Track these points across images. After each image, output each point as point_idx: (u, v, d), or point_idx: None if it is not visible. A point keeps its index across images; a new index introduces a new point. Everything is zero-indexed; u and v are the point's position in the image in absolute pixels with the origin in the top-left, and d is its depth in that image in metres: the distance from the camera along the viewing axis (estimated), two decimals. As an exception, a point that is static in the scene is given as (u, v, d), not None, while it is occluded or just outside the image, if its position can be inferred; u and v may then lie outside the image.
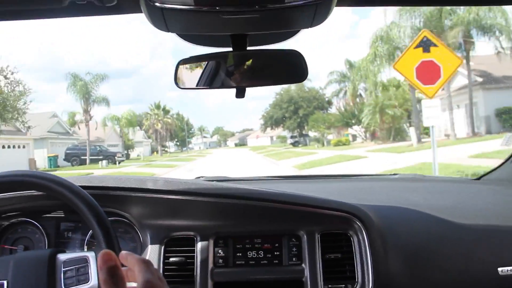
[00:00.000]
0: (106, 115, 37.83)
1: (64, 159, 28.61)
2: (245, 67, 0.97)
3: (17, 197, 1.16)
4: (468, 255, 1.20)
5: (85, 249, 1.21)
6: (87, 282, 0.87)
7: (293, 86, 42.77)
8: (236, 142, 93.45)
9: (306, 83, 42.71)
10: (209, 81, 0.99)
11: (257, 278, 1.14)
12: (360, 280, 1.11)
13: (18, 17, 0.86)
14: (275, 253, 1.17)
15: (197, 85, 0.99)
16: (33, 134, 25.61)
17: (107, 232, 0.86)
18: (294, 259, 1.15)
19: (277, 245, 1.17)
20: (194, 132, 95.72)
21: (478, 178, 1.80)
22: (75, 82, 30.36)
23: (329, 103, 42.74)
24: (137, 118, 47.23)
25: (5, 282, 0.83)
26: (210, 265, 1.14)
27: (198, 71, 0.99)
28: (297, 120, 42.16)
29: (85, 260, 0.89)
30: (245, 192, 1.20)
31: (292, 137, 43.85)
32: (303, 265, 1.14)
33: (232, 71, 0.96)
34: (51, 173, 0.97)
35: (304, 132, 43.87)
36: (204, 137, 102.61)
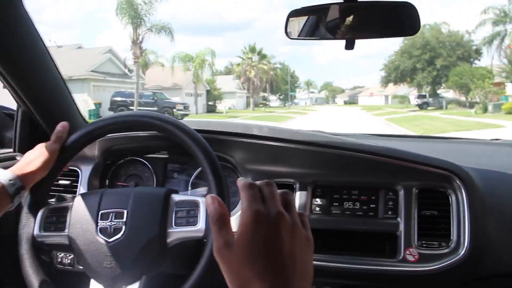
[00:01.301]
0: (176, 53, 35.18)
1: (109, 109, 26.47)
2: (355, 18, 1.11)
3: (130, 137, 1.43)
4: None
5: (189, 189, 1.49)
6: (195, 225, 1.08)
7: (427, 29, 39.56)
8: (346, 100, 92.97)
9: (444, 26, 39.10)
10: (319, 32, 1.17)
11: (352, 228, 1.34)
12: (455, 238, 1.26)
13: None
14: (371, 205, 1.36)
15: (306, 35, 1.17)
16: (68, 73, 22.88)
17: (219, 180, 1.07)
18: (389, 212, 1.34)
19: (373, 197, 1.36)
20: (300, 85, 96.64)
21: None
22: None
23: (477, 52, 38.95)
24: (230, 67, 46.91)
25: (125, 211, 1.08)
26: (307, 212, 1.36)
27: (309, 22, 1.17)
28: (433, 73, 39.14)
29: (196, 204, 1.10)
30: (346, 143, 1.38)
31: (420, 96, 40.50)
32: (398, 219, 1.31)
33: (342, 22, 1.11)
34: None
35: (438, 91, 40.57)
36: (312, 92, 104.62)
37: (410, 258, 1.29)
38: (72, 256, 1.31)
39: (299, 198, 1.38)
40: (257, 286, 0.58)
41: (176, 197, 1.12)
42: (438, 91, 40.83)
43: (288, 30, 1.19)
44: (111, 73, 29.13)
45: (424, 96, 40.05)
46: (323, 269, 1.30)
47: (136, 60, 27.24)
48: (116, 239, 1.06)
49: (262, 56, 47.87)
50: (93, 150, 1.49)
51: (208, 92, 41.08)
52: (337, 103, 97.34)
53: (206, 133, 1.34)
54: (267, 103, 63.49)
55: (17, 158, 1.52)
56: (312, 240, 0.65)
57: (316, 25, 1.17)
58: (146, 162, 1.54)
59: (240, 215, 0.63)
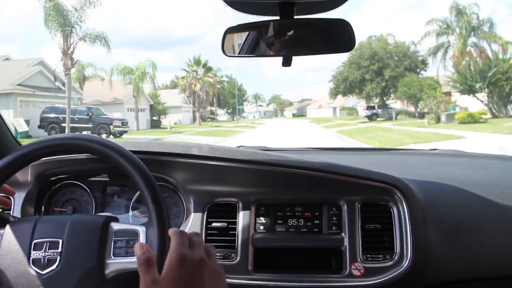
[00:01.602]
0: (114, 65, 33.80)
1: (39, 126, 25.09)
2: (292, 35, 1.15)
3: (67, 160, 1.43)
4: (509, 231, 1.42)
5: (130, 212, 1.51)
6: (134, 256, 1.01)
7: (374, 40, 40.90)
8: (294, 113, 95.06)
9: (389, 37, 40.59)
10: (256, 49, 1.20)
11: (298, 245, 1.39)
12: (398, 251, 1.33)
13: None
14: (315, 221, 1.42)
15: (244, 53, 1.21)
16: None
17: (159, 205, 1.05)
18: (334, 228, 1.40)
19: (317, 213, 1.42)
20: (248, 99, 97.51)
21: None
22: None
23: (423, 63, 40.68)
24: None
25: (60, 241, 1.04)
26: (251, 231, 1.40)
27: (246, 40, 1.20)
28: (382, 83, 40.46)
29: (135, 234, 1.07)
30: (287, 160, 1.42)
31: (369, 107, 41.77)
32: (342, 234, 1.38)
33: (278, 39, 1.16)
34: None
35: (387, 102, 41.68)
36: (260, 105, 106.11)
37: (356, 272, 1.35)
38: None
39: (242, 217, 1.43)
40: None
41: (115, 226, 1.09)
42: (387, 102, 42.07)
43: (225, 48, 1.23)
44: (42, 87, 27.45)
45: (373, 107, 41.23)
46: None
47: (67, 72, 25.47)
48: (50, 271, 1.02)
49: (208, 69, 47.93)
50: (26, 175, 1.47)
51: (151, 106, 40.62)
52: (285, 116, 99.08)
53: (145, 154, 1.40)
54: (215, 117, 63.55)
55: None
56: (223, 276, 0.83)
57: (253, 42, 1.21)
58: (84, 186, 1.55)
59: (168, 256, 0.80)
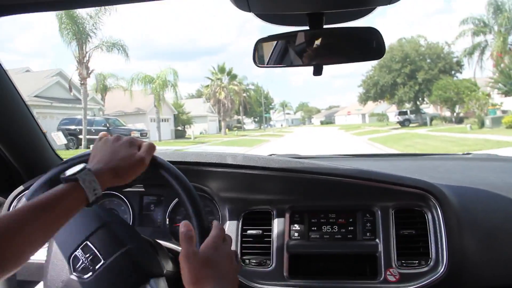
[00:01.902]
0: (134, 74, 32.47)
1: None
2: (322, 45, 1.20)
3: None
4: None
5: (167, 222, 1.58)
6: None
7: (404, 43, 38.94)
8: (322, 120, 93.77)
9: (421, 39, 38.50)
10: (286, 59, 1.25)
11: (332, 251, 1.41)
12: (434, 256, 1.35)
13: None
14: (349, 228, 1.44)
15: (274, 63, 1.26)
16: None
17: (199, 213, 1.10)
18: (368, 234, 1.42)
19: (351, 220, 1.45)
20: (275, 107, 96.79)
21: None
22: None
23: (459, 64, 38.86)
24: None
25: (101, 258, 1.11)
26: (286, 238, 1.44)
27: (276, 50, 1.25)
28: (415, 87, 38.81)
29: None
30: (320, 167, 1.47)
31: (401, 113, 40.27)
32: (377, 240, 1.40)
33: (309, 49, 1.21)
34: None
35: (420, 107, 40.05)
36: (287, 113, 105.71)
37: (391, 278, 1.37)
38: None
39: (277, 224, 1.46)
40: (210, 282, 0.95)
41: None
42: (420, 107, 40.70)
43: (256, 59, 1.28)
44: (59, 98, 27.21)
45: (405, 113, 39.94)
46: None
47: (83, 82, 25.09)
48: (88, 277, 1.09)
49: (232, 77, 47.16)
50: None
51: (175, 116, 40.10)
52: (313, 124, 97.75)
53: (181, 164, 1.40)
54: (242, 126, 62.31)
55: None
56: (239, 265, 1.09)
57: (284, 52, 1.25)
58: (121, 196, 1.60)
59: (206, 240, 1.02)
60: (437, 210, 1.39)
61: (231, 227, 1.49)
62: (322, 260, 1.44)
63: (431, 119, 36.38)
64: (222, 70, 47.08)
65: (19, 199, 1.27)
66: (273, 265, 1.43)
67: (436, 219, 1.38)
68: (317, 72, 1.23)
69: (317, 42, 1.20)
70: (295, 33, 1.21)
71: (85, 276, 1.08)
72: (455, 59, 38.84)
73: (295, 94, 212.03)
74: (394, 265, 1.37)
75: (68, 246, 1.12)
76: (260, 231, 1.48)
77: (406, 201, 1.43)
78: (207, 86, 47.89)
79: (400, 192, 1.42)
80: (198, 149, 24.01)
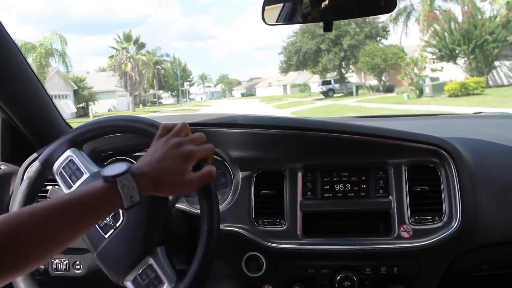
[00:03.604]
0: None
1: None
2: (332, 1, 1.22)
3: (115, 137, 1.46)
4: None
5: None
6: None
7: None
8: (243, 92, 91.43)
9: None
10: (296, 16, 1.26)
11: (345, 209, 1.45)
12: (447, 212, 1.38)
13: None
14: (362, 185, 1.47)
15: (284, 21, 1.28)
16: None
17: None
18: (381, 191, 1.45)
19: (364, 178, 1.48)
20: (192, 80, 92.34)
21: None
22: None
23: (384, 30, 37.42)
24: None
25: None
26: (299, 197, 1.47)
27: (286, 8, 1.26)
28: (340, 54, 36.77)
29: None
30: (333, 124, 1.51)
31: (324, 82, 38.17)
32: (390, 197, 1.43)
33: (318, 5, 1.21)
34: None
35: (344, 76, 38.21)
36: (208, 86, 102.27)
37: (405, 234, 1.39)
38: (67, 261, 1.44)
39: (289, 184, 1.49)
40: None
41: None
42: (346, 75, 39.63)
43: (265, 17, 1.28)
44: None
45: (329, 82, 38.32)
46: (322, 252, 1.42)
47: None
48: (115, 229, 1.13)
49: (140, 46, 43.31)
50: None
51: (75, 92, 34.80)
52: (234, 96, 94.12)
53: (192, 126, 1.38)
54: (158, 101, 56.69)
55: (1, 167, 1.64)
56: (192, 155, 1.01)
57: (293, 9, 1.26)
58: (132, 160, 1.62)
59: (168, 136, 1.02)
60: (450, 166, 1.41)
61: (244, 188, 1.51)
62: (335, 218, 1.47)
63: (357, 89, 35.14)
64: (128, 38, 42.82)
65: (32, 166, 1.28)
66: (287, 224, 1.45)
67: (450, 175, 1.41)
68: (327, 28, 1.25)
69: None
70: None
71: (107, 235, 1.13)
72: (380, 25, 37.97)
73: (217, 66, 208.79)
74: (407, 222, 1.41)
75: None
76: (273, 191, 1.49)
77: (419, 158, 1.46)
78: (112, 56, 42.02)
79: (413, 148, 1.45)
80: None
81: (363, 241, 1.41)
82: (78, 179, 1.21)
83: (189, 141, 1.01)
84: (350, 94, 34.57)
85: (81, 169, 1.22)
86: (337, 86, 37.75)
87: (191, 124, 1.38)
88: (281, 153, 1.51)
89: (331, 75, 39.54)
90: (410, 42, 31.45)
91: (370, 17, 36.44)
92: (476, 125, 2.05)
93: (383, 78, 32.47)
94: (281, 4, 1.27)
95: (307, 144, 1.50)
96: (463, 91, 20.66)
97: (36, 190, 1.24)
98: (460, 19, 24.05)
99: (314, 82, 45.85)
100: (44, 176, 1.25)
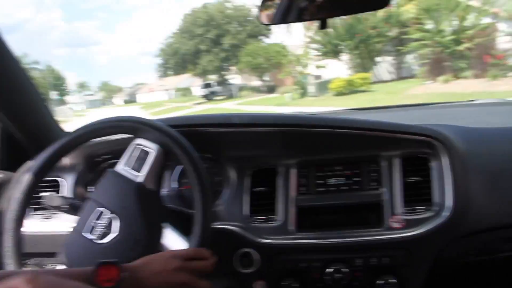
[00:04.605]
0: None
1: None
2: None
3: (111, 141, 1.50)
4: None
5: (176, 186, 1.61)
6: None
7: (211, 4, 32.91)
8: (126, 99, 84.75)
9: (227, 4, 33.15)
10: (291, 15, 1.23)
11: (338, 203, 1.46)
12: (439, 201, 1.40)
13: None
14: (355, 179, 1.49)
15: (279, 20, 1.26)
16: None
17: (201, 177, 1.18)
18: (374, 183, 1.47)
19: (357, 171, 1.50)
20: (67, 88, 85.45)
21: None
22: None
23: (267, 29, 36.30)
24: None
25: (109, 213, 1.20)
26: (293, 192, 1.49)
27: (280, 7, 1.24)
28: (221, 54, 34.42)
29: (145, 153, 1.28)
30: (325, 120, 1.53)
31: (205, 85, 36.19)
32: (382, 189, 1.45)
33: (313, 3, 1.20)
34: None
35: (226, 77, 36.81)
36: (89, 94, 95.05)
37: (396, 225, 1.41)
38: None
39: (283, 180, 1.51)
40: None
41: (118, 164, 1.29)
42: (227, 77, 37.72)
43: (261, 16, 1.29)
44: None
45: (210, 85, 36.12)
46: (314, 246, 1.44)
47: None
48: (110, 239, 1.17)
49: None
50: (74, 157, 1.60)
51: None
52: (115, 104, 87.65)
53: (185, 127, 1.46)
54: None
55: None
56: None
57: (288, 8, 1.25)
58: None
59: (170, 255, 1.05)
60: (443, 155, 1.43)
61: (238, 187, 1.53)
62: (329, 212, 1.48)
63: (240, 90, 33.38)
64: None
65: (23, 175, 1.29)
66: (280, 220, 1.47)
67: (442, 165, 1.43)
68: (323, 26, 1.23)
69: None
70: None
71: (106, 240, 1.17)
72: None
73: (101, 73, 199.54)
74: (399, 212, 1.42)
75: (84, 218, 1.21)
76: (268, 188, 1.52)
77: (411, 149, 1.48)
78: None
79: (405, 140, 1.47)
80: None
81: (354, 233, 1.42)
82: None
83: (189, 269, 1.04)
84: (232, 96, 32.78)
85: None
86: (219, 88, 35.74)
87: (186, 125, 1.47)
88: (275, 151, 1.54)
89: (215, 77, 37.03)
90: (294, 41, 30.20)
91: (251, 12, 35.65)
92: (469, 113, 2.12)
93: (266, 78, 30.97)
94: (277, 3, 1.24)
95: (300, 140, 1.52)
96: (349, 88, 18.96)
97: (28, 198, 1.23)
98: (344, 13, 22.32)
99: (199, 85, 43.25)
100: (35, 185, 1.24)
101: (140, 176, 1.27)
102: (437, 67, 17.56)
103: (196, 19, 33.47)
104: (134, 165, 1.26)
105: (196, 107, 28.54)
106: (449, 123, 1.62)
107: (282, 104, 19.39)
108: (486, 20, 17.08)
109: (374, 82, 21.55)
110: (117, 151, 1.49)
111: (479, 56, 16.37)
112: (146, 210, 1.17)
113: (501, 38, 16.64)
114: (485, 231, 1.43)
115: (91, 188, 1.60)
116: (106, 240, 1.14)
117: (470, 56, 16.88)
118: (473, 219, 1.40)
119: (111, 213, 1.17)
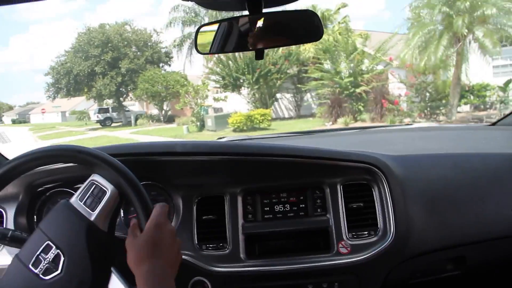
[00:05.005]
0: None
1: None
2: (262, 29, 1.23)
3: (53, 169, 1.47)
4: (484, 198, 1.59)
5: (122, 214, 1.56)
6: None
7: (108, 25, 31.12)
8: (15, 119, 77.68)
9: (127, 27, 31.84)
10: (228, 45, 1.27)
11: (285, 229, 1.51)
12: (382, 226, 1.47)
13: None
14: (301, 205, 1.54)
15: (216, 50, 1.29)
16: None
17: (145, 202, 1.13)
18: (319, 210, 1.52)
19: (302, 198, 1.55)
20: None
21: (493, 124, 2.34)
22: None
23: (168, 55, 35.06)
24: None
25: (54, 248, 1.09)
26: (241, 220, 1.52)
27: (218, 36, 1.27)
28: (117, 78, 32.04)
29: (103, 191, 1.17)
30: (267, 148, 1.56)
31: (101, 110, 34.87)
32: (327, 215, 1.51)
33: (249, 34, 1.23)
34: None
35: (125, 103, 35.15)
36: None
37: (343, 250, 1.45)
38: None
39: (230, 208, 1.53)
40: (151, 260, 1.01)
41: (74, 197, 1.18)
42: (125, 103, 35.62)
43: (198, 45, 1.30)
44: None
45: (107, 110, 34.56)
46: (265, 274, 1.45)
47: None
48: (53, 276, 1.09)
49: None
50: (15, 187, 1.54)
51: None
52: (4, 123, 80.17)
53: (130, 156, 1.46)
54: None
55: None
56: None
57: (225, 38, 1.27)
58: (73, 192, 1.57)
59: (150, 219, 1.07)
60: (382, 182, 1.49)
61: (186, 215, 1.54)
62: (277, 238, 1.51)
63: (136, 118, 31.56)
64: None
65: None
66: (230, 248, 1.49)
67: (382, 190, 1.49)
68: (259, 56, 1.27)
69: (257, 26, 1.22)
70: (235, 18, 1.23)
71: (49, 277, 1.08)
72: (164, 50, 34.76)
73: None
74: (345, 238, 1.47)
75: (30, 248, 1.13)
76: (215, 216, 1.53)
77: (353, 176, 1.53)
78: None
79: (346, 167, 1.51)
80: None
81: (304, 260, 1.45)
82: None
83: (164, 221, 1.09)
84: (129, 124, 31.13)
85: None
86: (115, 114, 34.07)
87: (130, 154, 1.46)
88: (220, 178, 1.55)
89: (111, 102, 34.69)
90: (195, 71, 29.56)
91: (152, 40, 33.98)
92: (406, 138, 2.21)
93: (164, 107, 29.55)
94: (213, 34, 1.27)
95: (245, 168, 1.54)
96: (249, 124, 18.19)
97: None
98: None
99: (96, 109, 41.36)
100: None
101: (93, 215, 1.18)
102: (336, 108, 17.56)
103: (92, 39, 31.19)
104: (88, 202, 1.16)
105: (89, 133, 27.03)
106: (388, 147, 1.73)
107: (179, 136, 18.25)
108: (380, 67, 17.73)
109: (274, 119, 21.12)
110: (64, 179, 1.54)
111: (376, 100, 16.71)
112: (94, 252, 1.09)
113: (394, 84, 17.19)
114: (428, 253, 1.52)
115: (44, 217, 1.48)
116: (48, 277, 1.06)
117: (367, 100, 17.17)
118: (415, 242, 1.48)
119: (57, 248, 1.08)
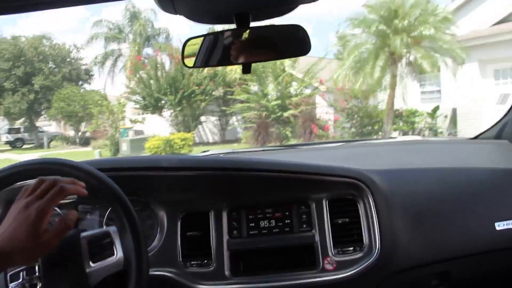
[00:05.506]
0: None
1: None
2: (249, 43, 1.21)
3: None
4: (467, 212, 1.58)
5: (104, 227, 1.44)
6: (113, 256, 1.09)
7: (24, 37, 28.70)
8: None
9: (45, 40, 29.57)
10: (215, 58, 1.25)
11: (270, 245, 1.46)
12: (367, 242, 1.44)
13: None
14: (286, 221, 1.48)
15: (203, 63, 1.26)
16: None
17: (132, 219, 1.09)
18: (304, 225, 1.47)
19: (287, 213, 1.49)
20: None
21: (475, 137, 2.31)
22: None
23: (88, 73, 32.93)
24: None
25: (36, 265, 1.04)
26: (226, 236, 1.47)
27: (205, 50, 1.24)
28: (29, 96, 28.88)
29: (107, 234, 1.12)
30: (253, 163, 1.53)
31: (11, 130, 31.40)
32: (313, 231, 1.46)
33: (237, 47, 1.21)
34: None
35: (38, 124, 32.21)
36: None
37: (329, 267, 1.41)
38: None
39: (215, 224, 1.48)
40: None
41: (85, 234, 1.12)
42: (39, 124, 32.22)
43: (184, 59, 1.26)
44: None
45: (18, 130, 31.14)
46: None
47: None
48: None
49: None
50: None
51: None
52: None
53: (114, 171, 1.39)
54: None
55: None
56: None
57: (212, 52, 1.24)
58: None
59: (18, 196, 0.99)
60: (367, 197, 1.45)
61: (170, 231, 1.48)
62: (262, 255, 1.47)
63: (50, 140, 28.72)
64: None
65: None
66: (215, 265, 1.45)
67: (368, 206, 1.45)
68: (246, 70, 1.24)
69: (245, 40, 1.21)
70: (222, 32, 1.22)
71: None
72: (84, 67, 32.42)
73: None
74: (330, 254, 1.43)
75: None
76: (200, 232, 1.48)
77: (338, 191, 1.49)
78: None
79: (332, 182, 1.47)
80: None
81: (289, 277, 1.41)
82: None
83: (36, 198, 0.93)
84: (42, 145, 27.93)
85: None
86: (27, 135, 30.77)
87: (115, 169, 1.40)
88: (205, 194, 1.51)
89: (22, 122, 31.55)
90: (117, 90, 27.56)
91: (72, 56, 31.49)
92: (391, 151, 2.11)
93: (82, 128, 26.96)
94: (200, 47, 1.24)
95: (230, 183, 1.51)
96: (168, 149, 16.09)
97: None
98: (168, 66, 20.06)
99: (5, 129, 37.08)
100: None
101: (91, 268, 1.14)
102: (262, 133, 16.42)
103: (2, 51, 27.88)
104: (94, 250, 1.11)
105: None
106: (373, 162, 1.69)
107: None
108: (308, 90, 16.91)
109: (197, 144, 19.70)
110: None
111: (304, 125, 15.74)
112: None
113: (323, 109, 16.18)
114: (413, 268, 1.48)
115: None
116: None
117: (295, 124, 16.20)
118: (400, 257, 1.44)
119: (39, 276, 1.04)
